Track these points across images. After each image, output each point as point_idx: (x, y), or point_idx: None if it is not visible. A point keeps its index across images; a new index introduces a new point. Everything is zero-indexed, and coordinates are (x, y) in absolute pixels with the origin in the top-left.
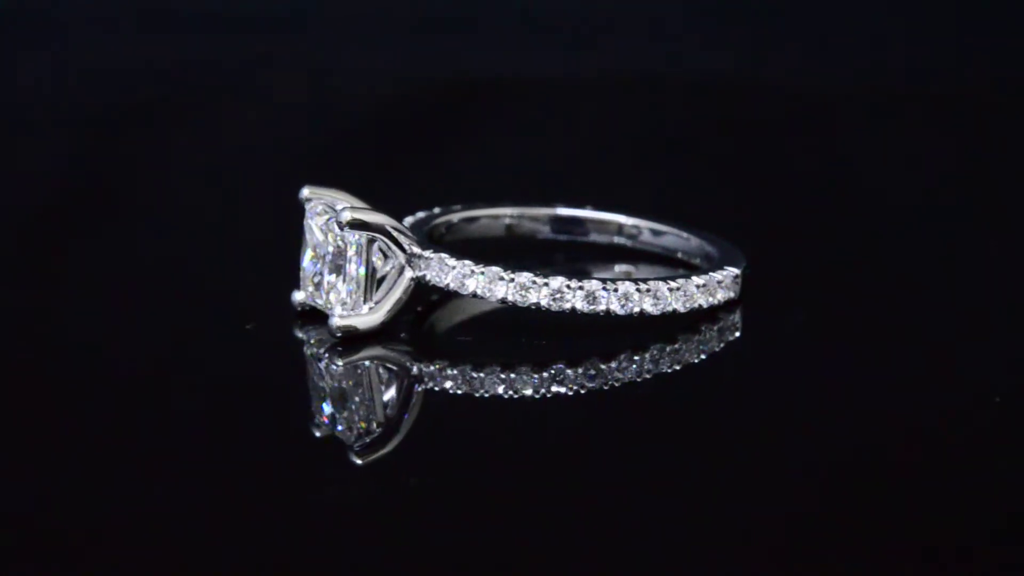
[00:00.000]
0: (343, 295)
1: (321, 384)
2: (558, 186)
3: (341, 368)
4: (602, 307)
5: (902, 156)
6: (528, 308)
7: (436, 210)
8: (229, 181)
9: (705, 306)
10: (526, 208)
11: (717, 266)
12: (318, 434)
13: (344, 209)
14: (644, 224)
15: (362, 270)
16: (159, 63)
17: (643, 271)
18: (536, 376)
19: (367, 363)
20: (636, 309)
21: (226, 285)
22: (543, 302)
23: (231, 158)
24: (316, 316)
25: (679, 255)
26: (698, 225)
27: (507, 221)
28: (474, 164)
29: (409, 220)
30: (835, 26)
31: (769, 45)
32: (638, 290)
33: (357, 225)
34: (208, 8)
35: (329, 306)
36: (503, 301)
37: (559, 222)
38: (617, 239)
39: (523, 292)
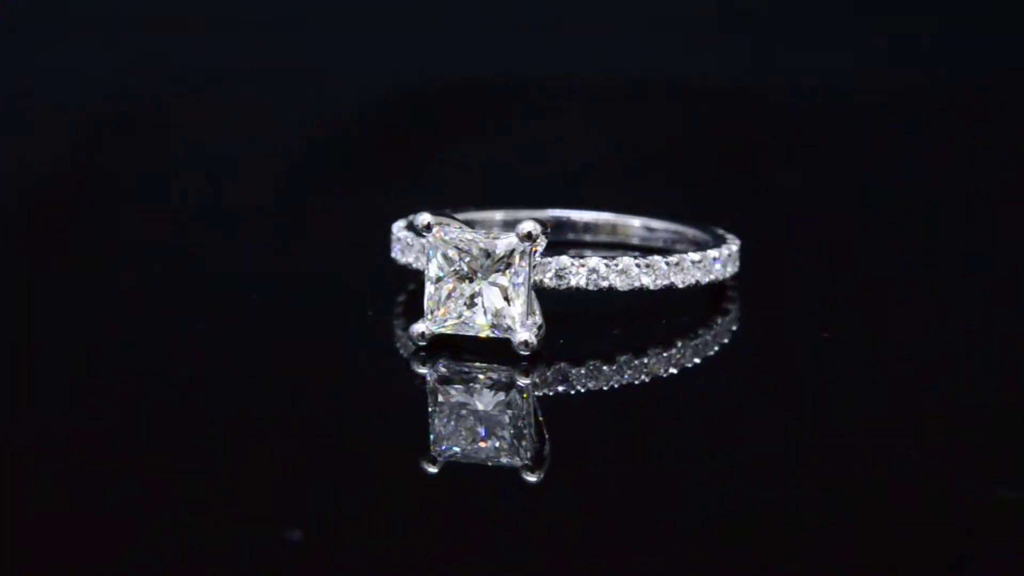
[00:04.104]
0: (518, 311)
1: (476, 411)
2: (553, 187)
3: (497, 390)
4: (637, 283)
5: (895, 158)
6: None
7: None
8: (228, 183)
9: (720, 279)
10: (520, 211)
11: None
12: (433, 470)
13: (527, 221)
14: (638, 221)
15: (527, 284)
16: (157, 64)
17: None
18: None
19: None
20: (666, 283)
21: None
22: (675, 280)
23: (226, 160)
24: (439, 346)
25: (676, 246)
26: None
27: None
28: (471, 165)
29: (404, 222)
30: (826, 28)
31: (763, 47)
32: (667, 263)
33: (535, 238)
34: (210, 9)
35: (505, 327)
36: (642, 289)
37: (554, 224)
38: (612, 237)
39: (655, 275)
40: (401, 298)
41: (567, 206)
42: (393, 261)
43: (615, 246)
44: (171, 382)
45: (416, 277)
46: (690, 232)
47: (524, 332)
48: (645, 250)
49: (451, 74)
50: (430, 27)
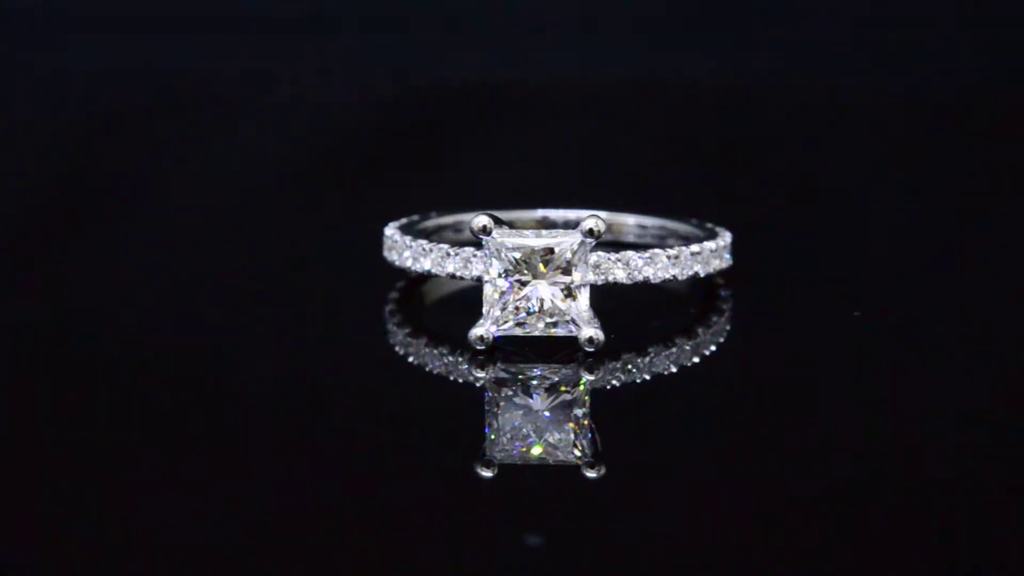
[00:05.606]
0: (583, 307)
1: (531, 411)
2: (547, 187)
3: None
4: (666, 273)
5: (887, 159)
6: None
7: (423, 215)
8: (226, 184)
9: (728, 267)
10: (512, 211)
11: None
12: (488, 474)
13: (589, 218)
14: (632, 219)
15: (587, 280)
16: (156, 65)
17: None
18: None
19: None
20: (691, 272)
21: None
22: (699, 269)
23: (225, 162)
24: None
25: (668, 241)
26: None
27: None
28: (466, 167)
29: (397, 224)
30: (818, 30)
31: (755, 49)
32: (691, 252)
33: (597, 234)
34: (215, 10)
35: (569, 325)
36: (672, 279)
37: (546, 224)
38: (607, 235)
39: (681, 266)
40: (388, 307)
41: (559, 206)
42: (404, 271)
43: (611, 244)
44: (194, 393)
45: (407, 279)
46: (682, 228)
47: (589, 328)
48: (641, 247)
49: (441, 77)
50: (423, 30)
